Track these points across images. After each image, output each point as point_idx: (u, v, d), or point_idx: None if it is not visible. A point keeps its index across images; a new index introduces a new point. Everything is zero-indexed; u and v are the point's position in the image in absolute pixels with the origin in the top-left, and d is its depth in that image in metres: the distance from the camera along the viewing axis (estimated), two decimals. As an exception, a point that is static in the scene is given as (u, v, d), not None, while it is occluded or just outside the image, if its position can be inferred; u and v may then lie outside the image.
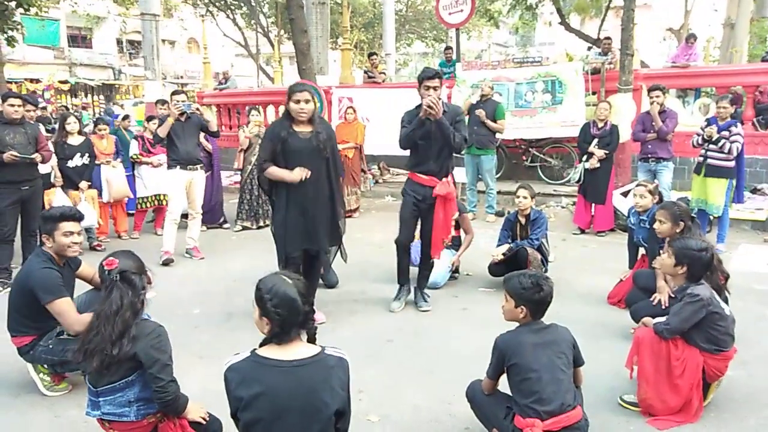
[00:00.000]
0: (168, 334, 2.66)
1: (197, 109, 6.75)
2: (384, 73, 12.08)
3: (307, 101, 4.15)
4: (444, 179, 4.56)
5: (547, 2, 17.25)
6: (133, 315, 2.58)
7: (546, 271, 5.20)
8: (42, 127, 6.59)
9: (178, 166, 6.28)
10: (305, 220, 4.26)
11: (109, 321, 2.53)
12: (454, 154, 4.70)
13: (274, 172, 4.20)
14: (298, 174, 4.11)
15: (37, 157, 5.63)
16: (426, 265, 4.89)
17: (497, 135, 8.25)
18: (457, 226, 5.55)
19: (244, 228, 7.83)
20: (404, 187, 4.77)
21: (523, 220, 5.35)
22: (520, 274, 2.71)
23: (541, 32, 35.14)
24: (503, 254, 5.22)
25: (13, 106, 5.51)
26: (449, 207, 4.60)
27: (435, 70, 4.56)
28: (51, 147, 6.35)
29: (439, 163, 4.55)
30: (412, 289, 4.95)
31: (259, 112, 8.39)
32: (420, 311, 4.77)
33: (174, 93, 6.62)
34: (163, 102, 7.96)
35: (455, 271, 5.65)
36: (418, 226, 4.81)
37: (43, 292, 3.26)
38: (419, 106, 4.42)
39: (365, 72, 11.81)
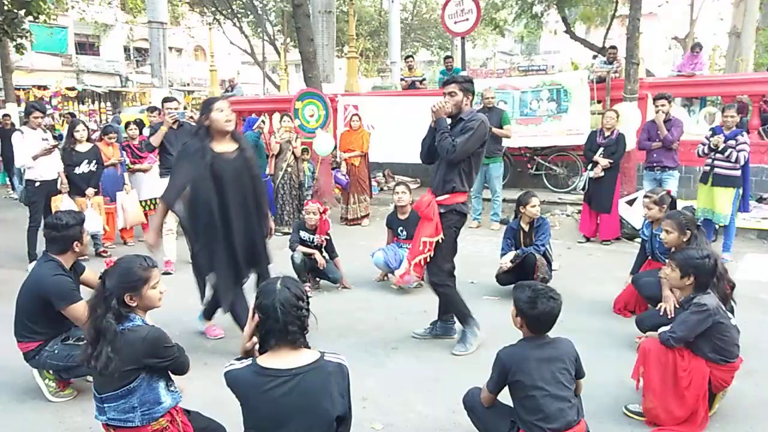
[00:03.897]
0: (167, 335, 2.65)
1: (191, 117, 6.72)
2: (424, 79, 11.94)
3: (233, 109, 3.80)
4: (432, 194, 4.00)
5: (552, 11, 17.33)
6: (102, 322, 2.49)
7: (550, 278, 5.20)
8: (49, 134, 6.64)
9: (167, 175, 6.19)
10: (235, 248, 3.85)
11: (89, 317, 2.57)
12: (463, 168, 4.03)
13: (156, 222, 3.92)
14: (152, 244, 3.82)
15: None
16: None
17: (503, 142, 8.22)
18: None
19: (284, 234, 7.48)
20: None
21: (526, 228, 5.35)
22: (527, 286, 2.67)
23: (547, 41, 35.19)
24: (511, 261, 5.22)
25: None
26: (423, 226, 4.00)
27: (450, 77, 4.16)
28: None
29: (438, 176, 4.02)
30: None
31: (290, 118, 8.45)
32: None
33: (165, 100, 6.56)
34: (153, 109, 7.97)
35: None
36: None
37: (58, 299, 3.32)
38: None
39: (402, 79, 11.72)
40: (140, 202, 7.51)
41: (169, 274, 6.06)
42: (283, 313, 2.08)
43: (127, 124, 7.93)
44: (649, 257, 4.80)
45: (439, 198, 3.98)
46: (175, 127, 6.15)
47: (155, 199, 7.46)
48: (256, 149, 8.08)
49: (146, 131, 7.86)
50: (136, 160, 7.52)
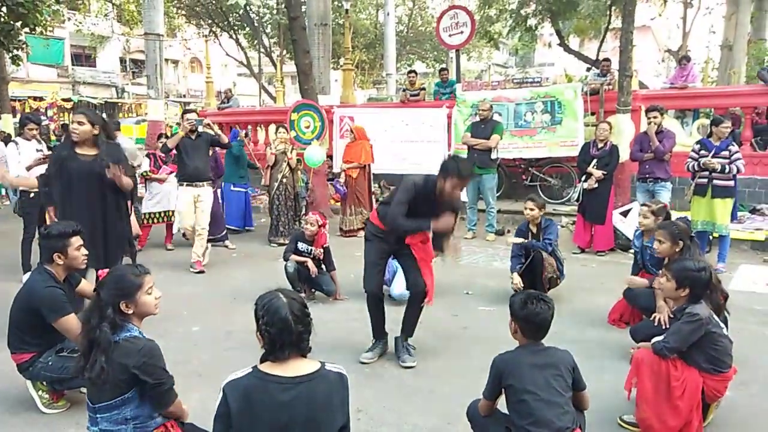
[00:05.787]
0: (162, 350, 2.63)
1: (208, 124, 6.90)
2: (424, 89, 12.08)
3: (80, 123, 4.36)
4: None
5: (546, 24, 17.47)
6: (96, 332, 2.51)
7: (561, 277, 5.31)
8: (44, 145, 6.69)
9: (185, 183, 6.65)
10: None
11: (83, 328, 2.59)
12: None
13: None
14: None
15: None
16: (415, 310, 4.17)
17: (494, 154, 8.13)
18: None
19: (280, 245, 7.56)
20: (367, 229, 4.24)
21: (534, 229, 5.43)
22: (522, 292, 2.77)
23: (541, 53, 35.47)
24: (520, 245, 5.34)
25: None
26: (427, 248, 4.10)
27: (470, 170, 4.04)
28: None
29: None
30: (394, 340, 4.27)
31: (286, 129, 8.52)
32: (402, 366, 4.09)
33: (186, 111, 7.07)
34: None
35: None
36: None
37: (50, 311, 3.30)
38: (429, 181, 3.85)
39: (404, 90, 11.79)
40: (155, 213, 7.77)
41: (202, 272, 6.57)
42: (296, 324, 2.08)
43: (159, 136, 8.35)
44: (642, 268, 4.81)
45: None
46: (193, 137, 6.61)
47: (169, 211, 7.63)
48: (236, 159, 8.62)
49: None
50: (155, 170, 7.74)
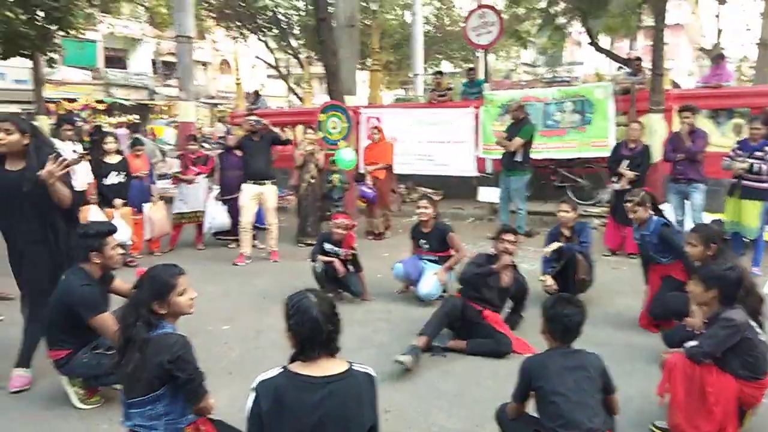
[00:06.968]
0: (193, 347, 2.66)
1: (265, 125, 7.22)
2: (451, 89, 12.09)
3: (7, 131, 3.69)
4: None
5: (575, 22, 17.24)
6: (131, 330, 2.55)
7: (592, 280, 5.28)
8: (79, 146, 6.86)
9: (250, 181, 7.00)
10: (21, 266, 3.91)
11: (120, 325, 2.66)
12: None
13: None
14: None
15: None
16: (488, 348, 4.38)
17: (518, 155, 7.93)
18: (448, 247, 5.57)
19: (308, 245, 7.54)
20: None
21: (568, 233, 5.38)
22: (555, 295, 2.80)
23: (570, 52, 35.05)
24: (554, 251, 5.28)
25: None
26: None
27: (510, 227, 4.93)
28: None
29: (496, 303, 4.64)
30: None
31: (314, 130, 8.59)
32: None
33: (248, 115, 7.86)
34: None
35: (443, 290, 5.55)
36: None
37: (86, 309, 3.38)
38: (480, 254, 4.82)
39: (432, 90, 11.81)
40: (186, 213, 7.84)
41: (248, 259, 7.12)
42: (325, 324, 2.11)
43: (189, 138, 8.45)
44: (649, 261, 4.83)
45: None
46: (255, 138, 7.09)
47: (199, 212, 7.72)
48: None
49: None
50: (185, 171, 7.83)
